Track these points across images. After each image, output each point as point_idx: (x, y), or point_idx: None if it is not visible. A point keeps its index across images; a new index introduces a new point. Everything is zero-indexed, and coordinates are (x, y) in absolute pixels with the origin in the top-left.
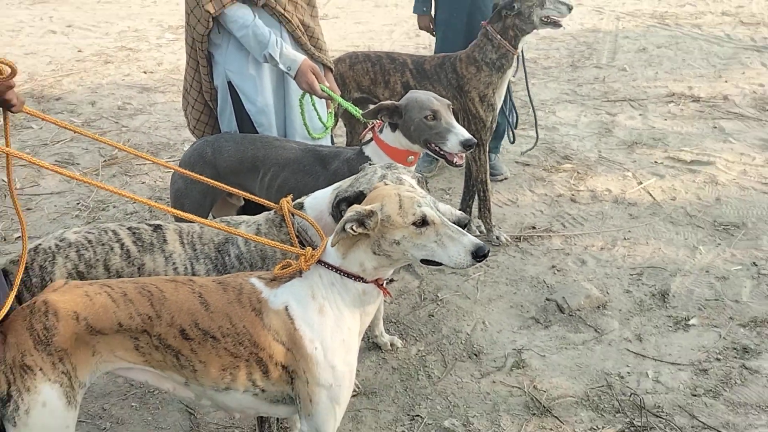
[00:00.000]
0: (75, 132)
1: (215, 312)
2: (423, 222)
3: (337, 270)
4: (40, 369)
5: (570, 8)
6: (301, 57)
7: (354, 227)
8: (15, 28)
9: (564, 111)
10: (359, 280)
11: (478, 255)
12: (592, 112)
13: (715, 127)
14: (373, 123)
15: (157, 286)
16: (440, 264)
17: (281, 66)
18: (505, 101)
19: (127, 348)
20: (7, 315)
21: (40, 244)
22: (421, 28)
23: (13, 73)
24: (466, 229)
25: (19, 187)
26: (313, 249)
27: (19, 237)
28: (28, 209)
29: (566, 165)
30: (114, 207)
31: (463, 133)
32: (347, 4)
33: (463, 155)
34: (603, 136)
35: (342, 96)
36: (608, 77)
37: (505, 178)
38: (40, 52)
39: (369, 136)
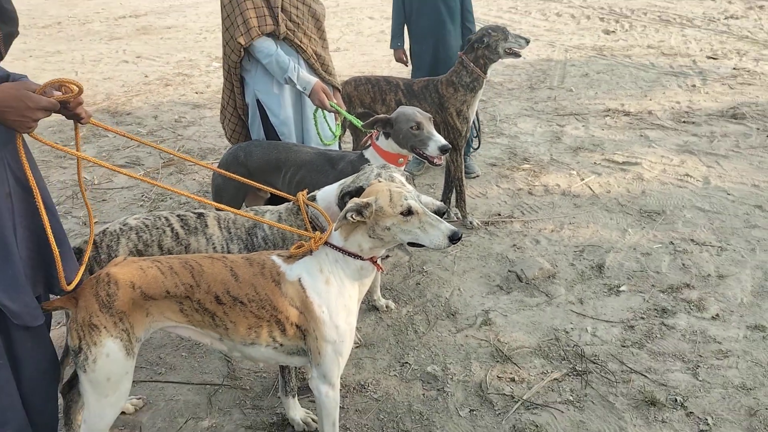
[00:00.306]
0: (130, 138)
1: (243, 282)
2: (409, 212)
3: (340, 250)
4: (104, 327)
5: (527, 41)
6: (314, 79)
7: (353, 216)
8: (96, 59)
9: (524, 123)
10: (357, 258)
11: (453, 238)
12: (546, 124)
13: (642, 136)
14: (371, 132)
15: (197, 261)
16: (423, 246)
17: (298, 86)
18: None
19: (174, 310)
20: (78, 285)
21: (107, 228)
22: (396, 60)
23: (80, 91)
24: (444, 216)
25: (96, 183)
26: (322, 233)
27: (96, 222)
28: (103, 200)
29: (525, 165)
30: (171, 198)
31: (441, 140)
32: (355, 40)
33: (442, 157)
34: (554, 142)
35: (348, 110)
36: (558, 96)
37: (477, 176)
38: (116, 78)
39: (369, 142)
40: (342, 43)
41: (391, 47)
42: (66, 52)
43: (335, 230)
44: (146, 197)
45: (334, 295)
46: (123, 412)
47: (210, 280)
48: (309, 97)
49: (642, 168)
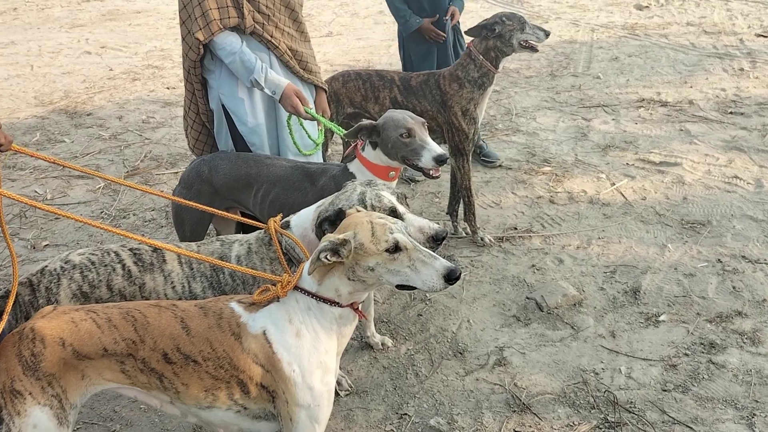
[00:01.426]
0: (60, 165)
1: (196, 336)
2: (396, 248)
3: (314, 295)
4: (30, 393)
5: (547, 34)
6: (285, 82)
7: (328, 256)
8: (55, 50)
9: (544, 117)
10: (335, 305)
11: (451, 278)
12: (569, 117)
13: (682, 130)
14: (356, 142)
15: (140, 311)
16: (415, 288)
17: (266, 90)
18: None
19: (114, 371)
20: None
21: (46, 266)
22: (431, 37)
23: None
24: (451, 234)
25: (49, 197)
26: (300, 264)
27: (47, 245)
28: (56, 218)
29: (545, 168)
30: (134, 215)
31: (436, 149)
32: (350, 23)
33: (438, 169)
34: (579, 140)
35: (336, 111)
36: (584, 85)
37: (501, 164)
38: (76, 72)
39: (354, 153)
40: (335, 27)
41: (409, 29)
42: (21, 42)
43: (308, 274)
44: (106, 213)
45: (307, 350)
46: None
47: (156, 335)
48: (280, 102)
49: (683, 169)
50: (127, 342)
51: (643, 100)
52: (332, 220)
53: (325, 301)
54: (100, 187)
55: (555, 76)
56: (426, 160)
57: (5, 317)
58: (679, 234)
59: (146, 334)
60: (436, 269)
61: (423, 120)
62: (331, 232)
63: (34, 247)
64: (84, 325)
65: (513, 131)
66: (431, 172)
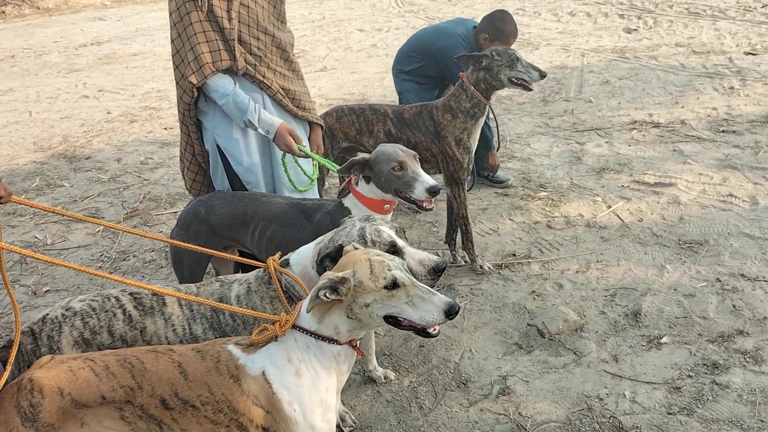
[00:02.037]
0: (59, 213)
1: (194, 381)
2: (394, 284)
3: (312, 334)
4: None
5: (542, 75)
6: (278, 121)
7: (327, 294)
8: (53, 95)
9: (538, 143)
10: (333, 343)
11: (450, 313)
12: (563, 142)
13: (675, 150)
14: (350, 177)
15: (138, 358)
16: (408, 328)
17: (260, 130)
18: None
19: (114, 418)
20: None
21: (47, 314)
22: None
23: None
24: (450, 263)
25: (49, 242)
26: (298, 302)
27: (48, 290)
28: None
29: (541, 193)
30: (134, 257)
31: (428, 181)
32: (344, 57)
33: (432, 200)
34: (574, 164)
35: (331, 145)
36: (576, 109)
37: (510, 184)
38: (74, 116)
39: (348, 189)
40: (329, 61)
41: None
42: (19, 89)
43: (306, 312)
44: (106, 256)
45: (307, 388)
46: None
47: (154, 381)
48: (273, 141)
49: (678, 189)
50: (125, 389)
51: (636, 122)
52: (333, 257)
53: (324, 339)
54: (99, 231)
55: (547, 101)
56: (419, 192)
57: (8, 368)
58: (677, 254)
59: (144, 380)
60: (435, 304)
61: (414, 152)
62: (332, 269)
63: (35, 293)
64: (82, 373)
65: (508, 157)
66: (424, 204)
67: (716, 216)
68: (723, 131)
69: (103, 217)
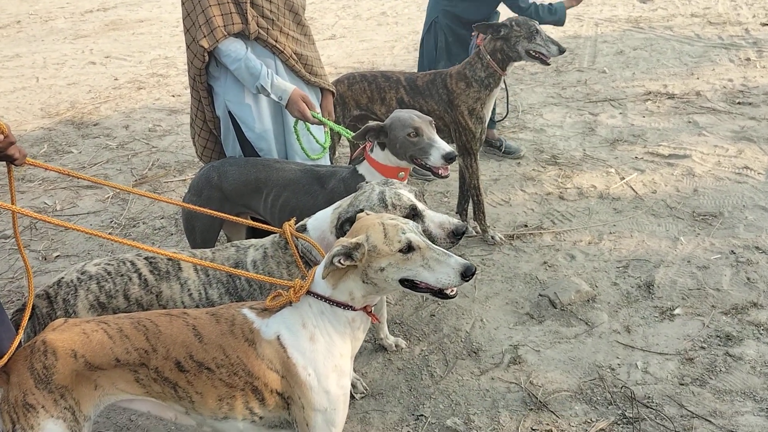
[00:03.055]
0: (72, 176)
1: (209, 344)
2: (409, 248)
3: (327, 300)
4: (42, 407)
5: (561, 51)
6: (291, 87)
7: (342, 260)
8: (60, 61)
9: (550, 113)
10: (348, 308)
11: (467, 274)
12: (576, 113)
13: (690, 122)
14: (364, 144)
15: (152, 320)
16: (425, 291)
17: (273, 96)
18: None
19: (128, 380)
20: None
21: (62, 278)
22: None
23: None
24: (465, 232)
25: (59, 209)
26: (312, 268)
27: (59, 256)
28: (67, 229)
29: (554, 164)
30: (144, 223)
31: (444, 147)
32: (353, 25)
33: (448, 167)
34: (587, 135)
35: (342, 113)
36: (590, 80)
37: (523, 155)
38: (81, 82)
39: (362, 155)
40: (338, 29)
41: None
42: (26, 55)
43: (321, 278)
44: (115, 223)
45: (322, 354)
46: None
47: (169, 343)
48: (286, 107)
49: (692, 161)
50: (139, 351)
51: (650, 93)
52: (353, 221)
53: (339, 304)
54: (109, 197)
55: (560, 71)
56: (435, 159)
57: (21, 331)
58: (690, 226)
59: (158, 342)
60: (451, 266)
61: (430, 119)
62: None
63: (45, 259)
64: (95, 336)
65: (520, 128)
66: (440, 171)
67: (731, 188)
68: (739, 103)
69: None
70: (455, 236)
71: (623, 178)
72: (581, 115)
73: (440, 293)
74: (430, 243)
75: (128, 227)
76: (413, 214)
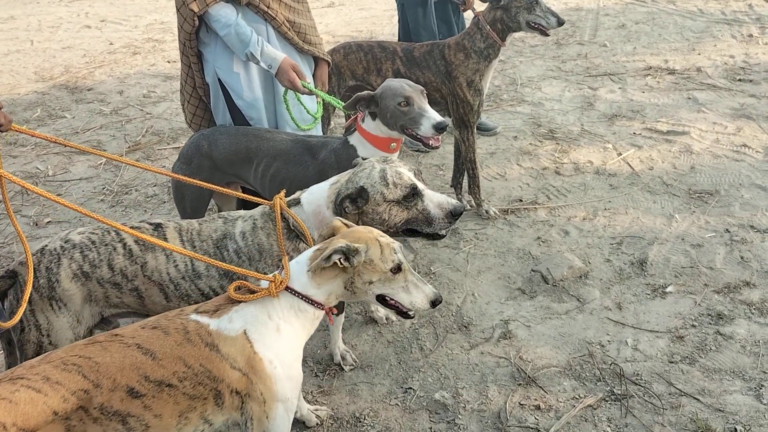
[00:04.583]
0: (58, 143)
1: (164, 359)
2: (398, 268)
3: (304, 297)
4: None
5: (560, 23)
6: (281, 56)
7: (342, 260)
8: (54, 24)
9: (549, 87)
10: (319, 307)
11: (435, 304)
12: (575, 87)
13: (689, 98)
14: (355, 114)
15: (79, 356)
16: (392, 308)
17: (262, 64)
18: None
19: None
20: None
21: (46, 246)
22: None
23: None
24: (462, 213)
25: (51, 174)
26: (284, 262)
27: (50, 221)
28: (58, 194)
29: (551, 138)
30: (136, 191)
31: (435, 117)
32: None
33: (439, 138)
34: (585, 110)
35: (338, 83)
36: (590, 53)
37: (497, 132)
38: (76, 46)
39: (353, 126)
40: None
41: None
42: (20, 17)
43: (310, 271)
44: (108, 189)
45: (286, 344)
46: None
47: (113, 372)
48: (276, 76)
49: (690, 138)
50: (77, 394)
51: (651, 68)
52: (353, 198)
53: (314, 303)
54: (101, 163)
55: (561, 44)
56: (425, 128)
57: (26, 296)
58: (686, 204)
59: (99, 376)
60: (425, 293)
61: (421, 88)
62: (353, 210)
63: (36, 224)
64: (20, 396)
65: (518, 101)
66: (431, 141)
67: (728, 166)
68: (739, 80)
69: (105, 148)
70: (453, 216)
71: (620, 154)
72: (580, 89)
73: (404, 313)
74: (410, 268)
75: (120, 194)
76: (413, 193)
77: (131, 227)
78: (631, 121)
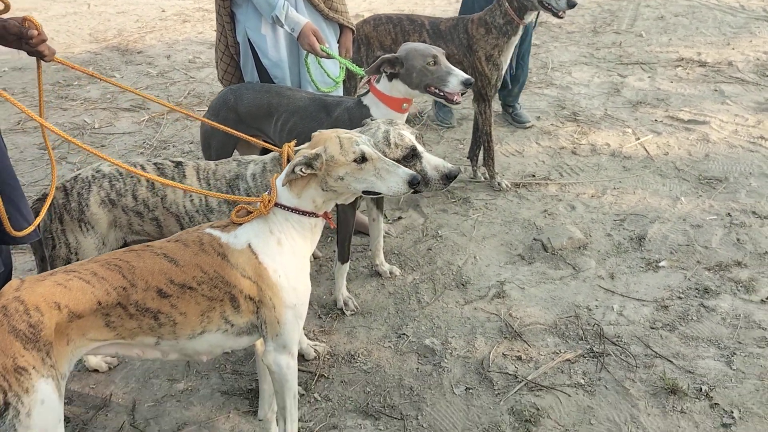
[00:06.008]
0: (101, 80)
1: (185, 266)
2: (363, 158)
3: (293, 210)
4: (33, 367)
5: (570, 5)
6: (304, 20)
7: (303, 169)
8: None
9: (579, 72)
10: (312, 216)
11: (413, 183)
12: (605, 73)
13: (716, 90)
14: (369, 77)
15: (120, 259)
16: (380, 194)
17: (286, 27)
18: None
19: (99, 327)
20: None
21: (79, 174)
22: None
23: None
24: (457, 176)
25: (97, 126)
26: (272, 182)
27: None
28: (102, 146)
29: (573, 120)
30: (173, 147)
31: (462, 74)
32: None
33: (462, 94)
34: (611, 95)
35: (366, 53)
36: (625, 42)
37: (532, 125)
38: (130, 12)
39: (367, 87)
40: None
41: None
42: None
43: (282, 185)
44: (147, 144)
45: (288, 256)
46: (96, 370)
47: (146, 275)
48: (297, 40)
49: (710, 128)
50: (118, 290)
51: (683, 59)
52: None
53: (304, 213)
54: (144, 120)
55: (597, 32)
56: (453, 85)
57: (44, 209)
58: (694, 188)
59: (135, 277)
60: (399, 176)
61: (443, 50)
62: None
63: (79, 170)
64: (73, 284)
65: (546, 84)
66: (455, 97)
67: (742, 156)
68: None
69: (148, 109)
70: (447, 179)
71: (638, 139)
72: (610, 76)
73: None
74: (381, 156)
75: (159, 149)
76: (413, 154)
77: (155, 163)
78: (655, 108)
